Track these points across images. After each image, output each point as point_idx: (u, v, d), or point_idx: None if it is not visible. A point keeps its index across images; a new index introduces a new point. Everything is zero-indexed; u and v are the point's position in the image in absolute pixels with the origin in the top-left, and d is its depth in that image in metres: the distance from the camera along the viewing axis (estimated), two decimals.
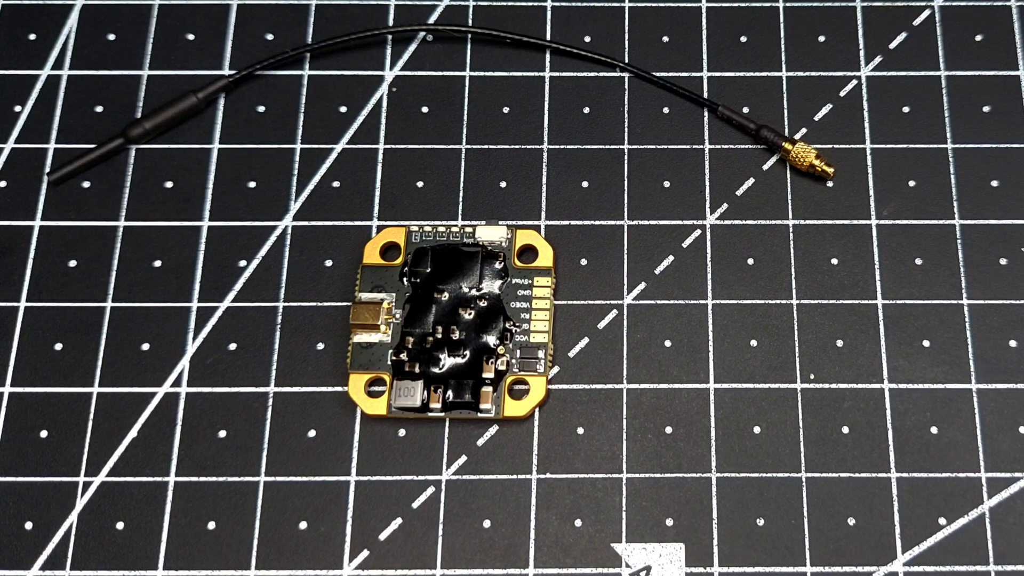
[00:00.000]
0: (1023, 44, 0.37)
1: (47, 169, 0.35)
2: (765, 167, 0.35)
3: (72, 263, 0.34)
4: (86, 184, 0.35)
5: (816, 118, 0.36)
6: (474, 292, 0.33)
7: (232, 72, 0.36)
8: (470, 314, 0.33)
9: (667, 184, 0.35)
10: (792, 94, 0.36)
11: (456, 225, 0.34)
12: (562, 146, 0.35)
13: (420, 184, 0.35)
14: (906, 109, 0.36)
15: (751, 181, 0.35)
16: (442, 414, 0.32)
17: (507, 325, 0.33)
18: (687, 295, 0.34)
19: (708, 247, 0.34)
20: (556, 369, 0.33)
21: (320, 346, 0.33)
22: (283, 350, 0.33)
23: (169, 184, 0.35)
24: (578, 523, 0.31)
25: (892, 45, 0.37)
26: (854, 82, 0.36)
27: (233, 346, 0.33)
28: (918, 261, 0.34)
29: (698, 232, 0.34)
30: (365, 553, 0.31)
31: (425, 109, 0.36)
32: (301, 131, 0.36)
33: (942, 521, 0.31)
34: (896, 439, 0.32)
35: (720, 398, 0.32)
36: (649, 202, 0.35)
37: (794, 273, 0.34)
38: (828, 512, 0.31)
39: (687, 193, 0.35)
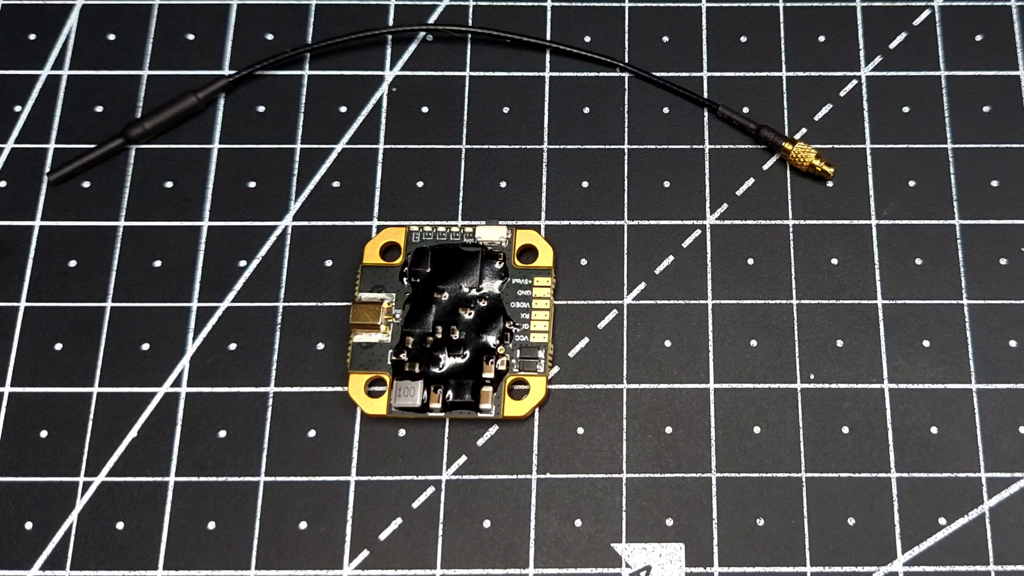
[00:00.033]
0: (1023, 44, 0.37)
1: (47, 169, 0.35)
2: (765, 167, 0.35)
3: (72, 263, 0.34)
4: (86, 184, 0.35)
5: (816, 118, 0.36)
6: (474, 292, 0.33)
7: (232, 72, 0.36)
8: (470, 314, 0.33)
9: (667, 184, 0.35)
10: (792, 94, 0.36)
11: (456, 225, 0.34)
12: (562, 146, 0.35)
13: (420, 184, 0.35)
14: (906, 109, 0.36)
15: (751, 181, 0.35)
16: (442, 414, 0.32)
17: (507, 325, 0.33)
18: (687, 295, 0.34)
19: (708, 247, 0.34)
20: (556, 369, 0.33)
21: (320, 346, 0.33)
22: (283, 350, 0.33)
23: (169, 184, 0.35)
24: (578, 523, 0.31)
25: (892, 45, 0.37)
26: (854, 82, 0.36)
27: (233, 346, 0.33)
28: (918, 261, 0.34)
29: (698, 232, 0.34)
30: (365, 553, 0.31)
31: (425, 109, 0.36)
32: (301, 131, 0.36)
33: (942, 521, 0.31)
34: (896, 439, 0.32)
35: (720, 398, 0.32)
36: (649, 202, 0.35)
37: (794, 273, 0.34)
38: (828, 512, 0.31)
39: (687, 193, 0.35)
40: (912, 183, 0.35)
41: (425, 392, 0.32)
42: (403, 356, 0.32)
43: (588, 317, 0.34)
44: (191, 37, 0.37)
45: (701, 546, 0.31)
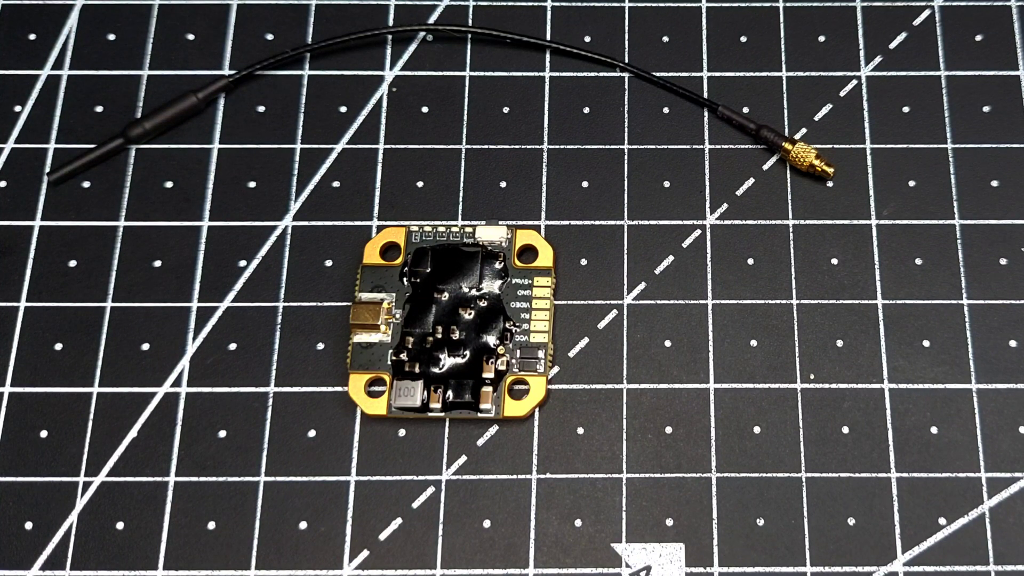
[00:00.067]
0: (1023, 44, 0.37)
1: (47, 169, 0.35)
2: (765, 167, 0.35)
3: (72, 263, 0.34)
4: (86, 184, 0.35)
5: (816, 118, 0.36)
6: (474, 292, 0.33)
7: (232, 72, 0.36)
8: (470, 314, 0.33)
9: (667, 184, 0.35)
10: (792, 94, 0.36)
11: (456, 225, 0.34)
12: (562, 146, 0.35)
13: (420, 184, 0.35)
14: (906, 109, 0.36)
15: (751, 181, 0.35)
16: (442, 414, 0.32)
17: (507, 325, 0.33)
18: (687, 295, 0.34)
19: (708, 247, 0.34)
20: (556, 369, 0.33)
21: (320, 346, 0.33)
22: (283, 350, 0.33)
23: (169, 184, 0.35)
24: (578, 523, 0.31)
25: (892, 45, 0.37)
26: (854, 82, 0.36)
27: (233, 346, 0.33)
28: (918, 261, 0.34)
29: (698, 232, 0.34)
30: (365, 553, 0.31)
31: (425, 109, 0.36)
32: (301, 131, 0.36)
33: (942, 521, 0.31)
34: (896, 439, 0.32)
35: (720, 398, 0.32)
36: (649, 202, 0.35)
37: (794, 273, 0.34)
38: (828, 512, 0.31)
39: (687, 193, 0.35)
40: (912, 183, 0.35)
41: (425, 392, 0.32)
42: (403, 356, 0.32)
43: (588, 317, 0.34)
44: (191, 37, 0.37)
45: (701, 546, 0.31)
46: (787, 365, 0.33)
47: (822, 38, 0.37)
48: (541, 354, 0.32)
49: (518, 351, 0.32)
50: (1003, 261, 0.34)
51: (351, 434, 0.32)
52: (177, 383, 0.33)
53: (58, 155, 0.35)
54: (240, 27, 0.37)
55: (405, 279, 0.33)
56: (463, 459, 0.32)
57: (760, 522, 0.31)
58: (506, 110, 0.36)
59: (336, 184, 0.35)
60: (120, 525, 0.31)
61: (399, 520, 0.31)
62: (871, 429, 0.32)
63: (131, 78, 0.36)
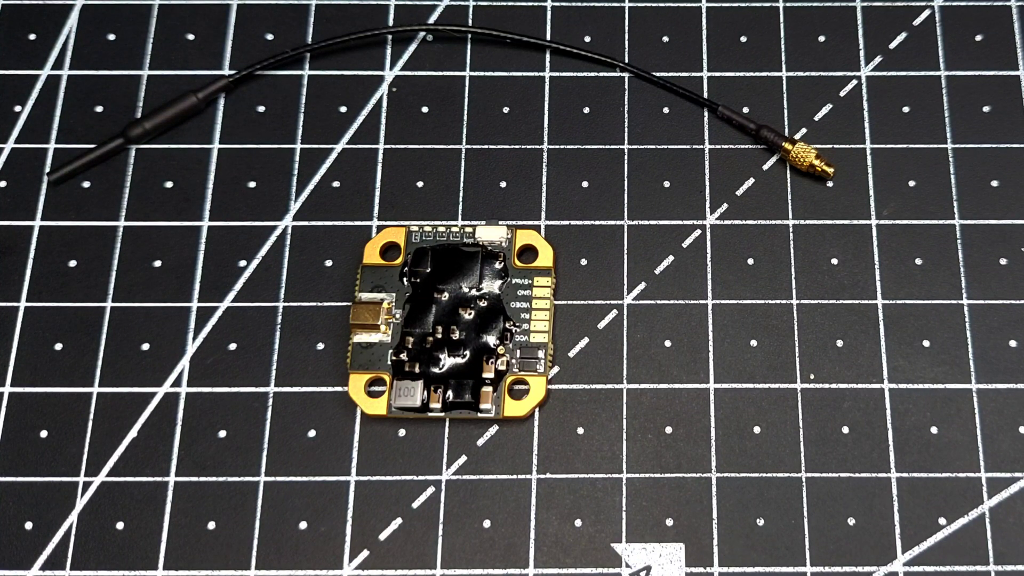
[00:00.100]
0: (1023, 44, 0.37)
1: (47, 169, 0.35)
2: (765, 167, 0.35)
3: (72, 263, 0.34)
4: (86, 184, 0.35)
5: (816, 118, 0.36)
6: (474, 292, 0.33)
7: (232, 72, 0.36)
8: (470, 314, 0.33)
9: (667, 184, 0.35)
10: (792, 94, 0.36)
11: (456, 225, 0.34)
12: (562, 146, 0.35)
13: (420, 184, 0.35)
14: (906, 109, 0.36)
15: (751, 181, 0.35)
16: (442, 414, 0.32)
17: (507, 325, 0.33)
18: (687, 295, 0.34)
19: (708, 247, 0.34)
20: (556, 369, 0.33)
21: (320, 346, 0.33)
22: (283, 350, 0.33)
23: (169, 184, 0.35)
24: (578, 523, 0.31)
25: (892, 45, 0.37)
26: (854, 82, 0.36)
27: (233, 346, 0.33)
28: (918, 261, 0.34)
29: (698, 232, 0.34)
30: (365, 553, 0.31)
31: (425, 109, 0.36)
32: (301, 131, 0.36)
33: (942, 521, 0.31)
34: (896, 439, 0.32)
35: (720, 398, 0.32)
36: (649, 202, 0.35)
37: (794, 273, 0.34)
38: (828, 512, 0.31)
39: (687, 193, 0.35)
40: (912, 183, 0.35)
41: (425, 392, 0.32)
42: (403, 356, 0.32)
43: (588, 317, 0.34)
44: (191, 37, 0.37)
45: (701, 546, 0.31)
46: (787, 365, 0.33)
47: (822, 38, 0.37)
48: (541, 354, 0.32)
49: (518, 351, 0.32)
50: (1003, 261, 0.34)
51: (351, 434, 0.32)
52: (177, 383, 0.33)
53: (58, 155, 0.35)
54: (240, 27, 0.37)
55: (405, 279, 0.33)
56: (463, 459, 0.32)
57: (760, 522, 0.31)
58: (506, 110, 0.36)
59: (336, 184, 0.35)
60: (120, 525, 0.31)
61: (399, 520, 0.31)
62: (871, 429, 0.32)
63: (131, 78, 0.36)
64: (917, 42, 0.37)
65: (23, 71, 0.36)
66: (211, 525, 0.31)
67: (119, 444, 0.32)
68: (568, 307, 0.34)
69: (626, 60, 0.37)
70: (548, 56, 0.37)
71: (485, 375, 0.32)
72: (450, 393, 0.32)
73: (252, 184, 0.35)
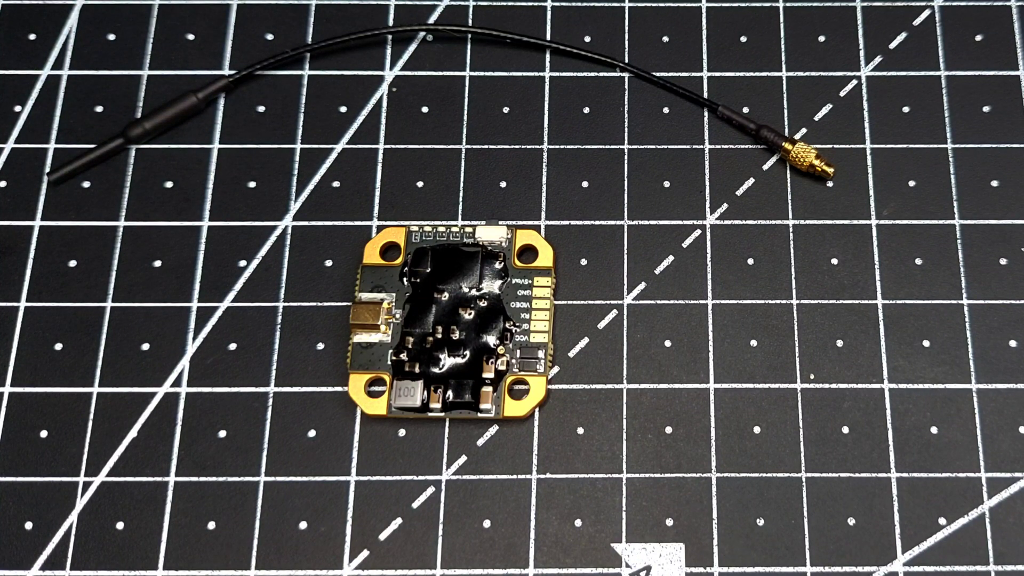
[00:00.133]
0: (1023, 44, 0.37)
1: (47, 169, 0.35)
2: (765, 167, 0.35)
3: (72, 263, 0.34)
4: (86, 184, 0.35)
5: (816, 118, 0.36)
6: (474, 292, 0.33)
7: (232, 72, 0.36)
8: (470, 314, 0.33)
9: (667, 184, 0.35)
10: (792, 94, 0.36)
11: (456, 225, 0.34)
12: (562, 146, 0.35)
13: (420, 184, 0.35)
14: (906, 109, 0.36)
15: (751, 181, 0.35)
16: (442, 414, 0.32)
17: (507, 325, 0.33)
18: (687, 295, 0.34)
19: (708, 247, 0.34)
20: (556, 369, 0.33)
21: (320, 346, 0.33)
22: (283, 350, 0.33)
23: (169, 184, 0.35)
24: (578, 523, 0.31)
25: (892, 45, 0.37)
26: (854, 82, 0.36)
27: (233, 346, 0.33)
28: (918, 261, 0.34)
29: (698, 232, 0.34)
30: (365, 553, 0.31)
31: (425, 109, 0.36)
32: (301, 131, 0.36)
33: (942, 521, 0.31)
34: (896, 439, 0.32)
35: (720, 398, 0.32)
36: (649, 202, 0.35)
37: (794, 273, 0.34)
38: (828, 512, 0.31)
39: (687, 193, 0.35)
40: (912, 183, 0.35)
41: (425, 392, 0.32)
42: (403, 356, 0.32)
43: (588, 317, 0.34)
44: (191, 37, 0.37)
45: (701, 546, 0.31)
46: (787, 365, 0.33)
47: (822, 38, 0.37)
48: (541, 354, 0.32)
49: (518, 351, 0.32)
50: (1003, 261, 0.34)
51: (351, 434, 0.32)
52: (177, 383, 0.33)
53: (58, 155, 0.35)
54: (240, 27, 0.37)
55: (405, 279, 0.33)
56: (463, 459, 0.32)
57: (760, 522, 0.31)
58: (506, 110, 0.36)
59: (336, 184, 0.35)
60: (120, 525, 0.31)
61: (399, 520, 0.31)
62: (871, 429, 0.32)
63: (131, 78, 0.36)
64: (917, 42, 0.37)
65: (23, 71, 0.36)
66: (211, 525, 0.31)
67: (119, 444, 0.32)
68: (568, 307, 0.34)
69: (626, 60, 0.37)
70: (548, 56, 0.37)
71: (485, 375, 0.32)
72: (450, 393, 0.32)
73: (252, 184, 0.35)
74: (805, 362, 0.33)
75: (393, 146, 0.36)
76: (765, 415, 0.32)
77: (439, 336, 0.32)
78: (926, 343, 0.33)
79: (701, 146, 0.35)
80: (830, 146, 0.35)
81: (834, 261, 0.34)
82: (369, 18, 0.37)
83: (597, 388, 0.33)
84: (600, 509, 0.31)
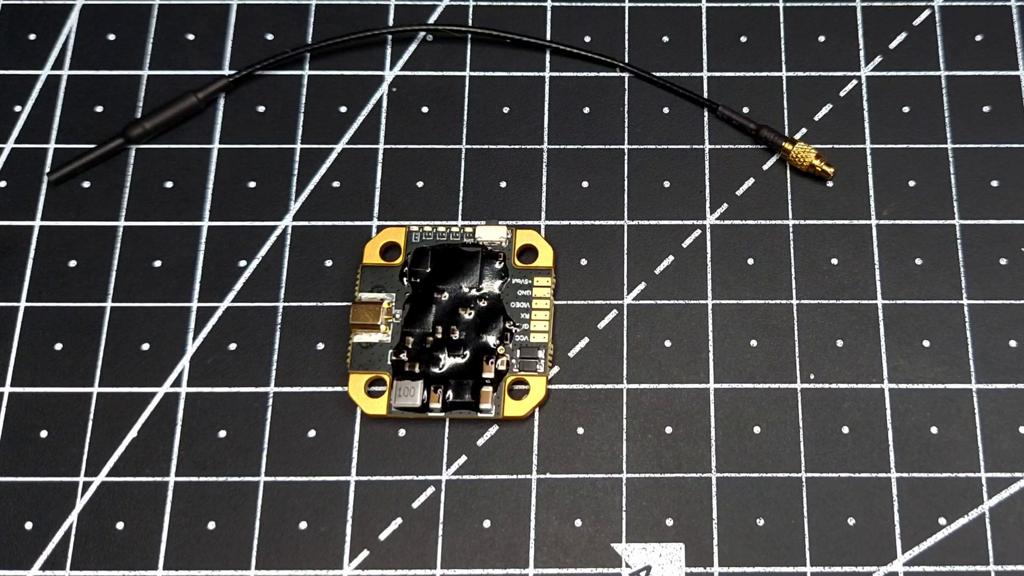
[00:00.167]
0: (1023, 44, 0.37)
1: (47, 169, 0.35)
2: (765, 167, 0.35)
3: (72, 263, 0.34)
4: (86, 184, 0.35)
5: (816, 118, 0.36)
6: (474, 292, 0.33)
7: (232, 72, 0.36)
8: (470, 314, 0.33)
9: (667, 184, 0.35)
10: (792, 94, 0.36)
11: (456, 225, 0.34)
12: (562, 146, 0.35)
13: (420, 184, 0.35)
14: (906, 109, 0.36)
15: (751, 181, 0.35)
16: (442, 414, 0.32)
17: (507, 325, 0.33)
18: (687, 295, 0.34)
19: (708, 247, 0.34)
20: (556, 369, 0.33)
21: (320, 346, 0.33)
22: (283, 350, 0.33)
23: (169, 184, 0.35)
24: (578, 523, 0.31)
25: (892, 45, 0.37)
26: (854, 82, 0.36)
27: (233, 346, 0.33)
28: (918, 261, 0.34)
29: (698, 232, 0.34)
30: (365, 553, 0.31)
31: (425, 109, 0.36)
32: (301, 131, 0.36)
33: (942, 521, 0.31)
34: (896, 439, 0.32)
35: (720, 398, 0.32)
36: (649, 202, 0.35)
37: (794, 273, 0.34)
38: (828, 512, 0.31)
39: (687, 193, 0.35)
40: (912, 183, 0.35)
41: (425, 392, 0.32)
42: (403, 356, 0.32)
43: (588, 317, 0.34)
44: (191, 37, 0.37)
45: (701, 546, 0.31)
46: (787, 365, 0.33)
47: (822, 38, 0.37)
48: (541, 354, 0.32)
49: (518, 351, 0.32)
50: (1003, 261, 0.34)
51: (351, 434, 0.32)
52: (177, 383, 0.33)
53: (58, 155, 0.35)
54: (240, 27, 0.37)
55: (405, 279, 0.33)
56: (463, 459, 0.32)
57: (760, 522, 0.31)
58: (506, 110, 0.36)
59: (336, 184, 0.35)
60: (120, 525, 0.31)
61: (399, 520, 0.31)
62: (871, 429, 0.32)
63: (131, 78, 0.36)
64: (917, 42, 0.37)
65: (23, 71, 0.36)
66: (211, 525, 0.31)
67: (119, 444, 0.32)
68: (568, 307, 0.34)
69: (626, 60, 0.37)
70: (548, 56, 0.37)
71: (485, 375, 0.32)
72: (450, 393, 0.32)
73: (252, 184, 0.35)
74: (805, 362, 0.33)
75: (393, 146, 0.36)
76: (765, 415, 0.32)
77: (439, 336, 0.32)
78: (926, 343, 0.33)
79: (701, 146, 0.35)
80: (830, 146, 0.35)
81: (834, 261, 0.34)
82: (369, 18, 0.37)
83: (597, 388, 0.33)
84: (600, 509, 0.31)
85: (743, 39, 0.37)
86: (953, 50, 0.36)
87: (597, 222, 0.35)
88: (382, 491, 0.32)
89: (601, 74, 0.36)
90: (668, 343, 0.33)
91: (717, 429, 0.32)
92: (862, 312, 0.33)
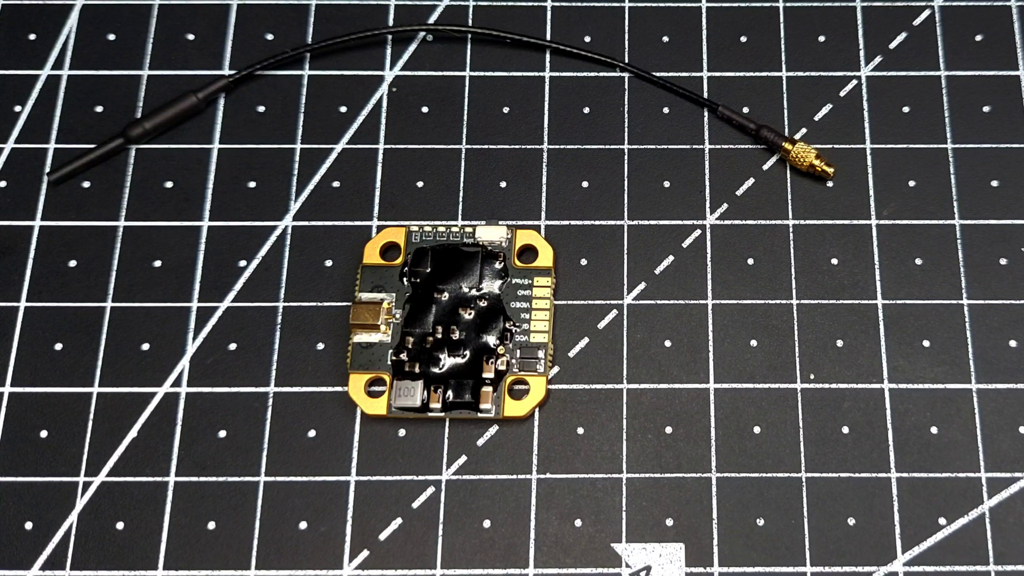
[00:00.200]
0: (1023, 44, 0.37)
1: (47, 169, 0.35)
2: (765, 167, 0.35)
3: (72, 263, 0.34)
4: (86, 184, 0.35)
5: (816, 118, 0.36)
6: (474, 292, 0.33)
7: (232, 72, 0.36)
8: (470, 314, 0.33)
9: (667, 184, 0.35)
10: (792, 94, 0.36)
11: (456, 225, 0.34)
12: (562, 146, 0.35)
13: (420, 184, 0.35)
14: (906, 109, 0.36)
15: (751, 181, 0.35)
16: (442, 414, 0.32)
17: (507, 325, 0.33)
18: (687, 295, 0.34)
19: (708, 247, 0.34)
20: (556, 369, 0.33)
21: (320, 346, 0.33)
22: (283, 350, 0.33)
23: (169, 184, 0.35)
24: (578, 523, 0.31)
25: (892, 45, 0.37)
26: (854, 82, 0.36)
27: (233, 346, 0.33)
28: (918, 261, 0.34)
29: (698, 232, 0.34)
30: (365, 553, 0.31)
31: (425, 109, 0.36)
32: (301, 131, 0.36)
33: (942, 521, 0.31)
34: (896, 439, 0.32)
35: (720, 398, 0.32)
36: (649, 202, 0.35)
37: (794, 273, 0.34)
38: (828, 512, 0.31)
39: (687, 193, 0.35)
40: (912, 183, 0.35)
41: (425, 392, 0.32)
42: (403, 356, 0.32)
43: (588, 317, 0.34)
44: (191, 37, 0.37)
45: (701, 546, 0.31)
46: (787, 365, 0.33)
47: (822, 38, 0.37)
48: (541, 354, 0.32)
49: (518, 351, 0.32)
50: (1003, 261, 0.34)
51: (351, 434, 0.32)
52: (177, 383, 0.33)
53: (58, 155, 0.35)
54: (240, 27, 0.37)
55: (405, 279, 0.33)
56: (463, 459, 0.32)
57: (760, 522, 0.31)
58: (506, 110, 0.36)
59: (336, 184, 0.35)
60: (120, 525, 0.31)
61: (399, 520, 0.31)
62: (871, 429, 0.32)
63: (131, 78, 0.36)
64: (917, 42, 0.37)
65: (23, 71, 0.36)
66: (211, 525, 0.31)
67: (119, 444, 0.32)
68: (568, 307, 0.34)
69: (626, 60, 0.37)
70: (548, 56, 0.37)
71: (485, 375, 0.32)
72: (450, 393, 0.32)
73: (252, 184, 0.35)
74: (805, 362, 0.33)
75: (393, 146, 0.36)
76: (765, 415, 0.32)
77: (439, 336, 0.32)
78: (926, 343, 0.33)
79: (701, 146, 0.35)
80: (830, 146, 0.35)
81: (834, 261, 0.34)
82: (369, 18, 0.37)
83: (597, 388, 0.33)
84: (600, 509, 0.31)
85: (743, 39, 0.37)
86: (953, 50, 0.36)
87: (597, 222, 0.35)
88: (382, 491, 0.32)
89: (601, 74, 0.36)
90: (668, 343, 0.33)
91: (717, 429, 0.32)
92: (862, 312, 0.33)
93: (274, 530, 0.31)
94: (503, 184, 0.35)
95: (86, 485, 0.32)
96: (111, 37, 0.37)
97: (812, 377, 0.33)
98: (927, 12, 0.37)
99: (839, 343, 0.33)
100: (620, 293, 0.34)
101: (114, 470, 0.32)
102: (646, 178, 0.35)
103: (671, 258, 0.34)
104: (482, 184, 0.35)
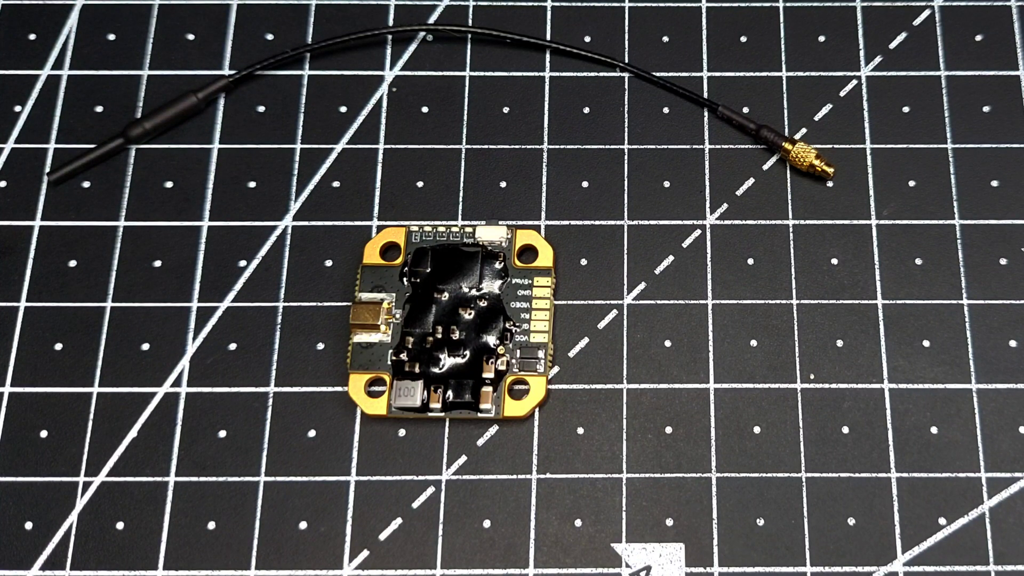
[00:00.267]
0: (1023, 44, 0.37)
1: (47, 169, 0.35)
2: (765, 167, 0.35)
3: (72, 263, 0.34)
4: (86, 184, 0.35)
5: (816, 118, 0.36)
6: (474, 292, 0.33)
7: (232, 72, 0.36)
8: (470, 314, 0.33)
9: (667, 184, 0.35)
10: (792, 94, 0.36)
11: (456, 225, 0.34)
12: (562, 146, 0.35)
13: (420, 184, 0.35)
14: (906, 109, 0.36)
15: (751, 181, 0.35)
16: (442, 414, 0.32)
17: (507, 325, 0.33)
18: (687, 295, 0.34)
19: (708, 247, 0.34)
20: (556, 369, 0.33)
21: (320, 346, 0.33)
22: (283, 350, 0.33)
23: (169, 184, 0.35)
24: (578, 523, 0.31)
25: (892, 45, 0.37)
26: (854, 82, 0.36)
27: (233, 346, 0.33)
28: (918, 261, 0.34)
29: (698, 232, 0.34)
30: (365, 553, 0.31)
31: (425, 109, 0.36)
32: (301, 131, 0.36)
33: (942, 521, 0.31)
34: (896, 439, 0.32)
35: (720, 398, 0.32)
36: (649, 202, 0.35)
37: (794, 273, 0.34)
38: (828, 512, 0.31)
39: (687, 193, 0.35)
40: (912, 183, 0.35)
41: (425, 392, 0.32)
42: (403, 356, 0.32)
43: (588, 317, 0.34)
44: (191, 37, 0.37)
45: (701, 546, 0.31)
46: (787, 365, 0.33)
47: (822, 38, 0.37)
48: (541, 354, 0.32)
49: (518, 351, 0.32)
50: (1003, 261, 0.34)
51: (351, 434, 0.32)
52: (177, 383, 0.33)
53: (58, 155, 0.35)
54: (240, 27, 0.37)
55: (405, 279, 0.33)
56: (463, 459, 0.32)
57: (760, 522, 0.31)
58: (506, 110, 0.36)
59: (336, 184, 0.35)
60: (120, 525, 0.31)
61: (399, 520, 0.31)
62: (871, 429, 0.32)
63: (131, 78, 0.36)
64: (917, 42, 0.37)
65: (23, 71, 0.36)
66: (211, 525, 0.31)
67: (119, 444, 0.32)
68: (568, 307, 0.34)
69: (626, 60, 0.37)
70: (548, 56, 0.37)
71: (485, 375, 0.32)
72: (450, 393, 0.32)
73: (252, 184, 0.35)
74: (805, 362, 0.33)
75: (393, 146, 0.36)
76: (765, 415, 0.32)
77: (439, 336, 0.32)
78: (926, 343, 0.33)
79: (701, 146, 0.35)
80: (830, 146, 0.35)
81: (834, 261, 0.34)
82: (369, 18, 0.37)
83: (597, 388, 0.33)
84: (600, 509, 0.31)
85: (743, 39, 0.37)
86: (953, 50, 0.36)
87: (597, 222, 0.35)
88: (382, 491, 0.32)
89: (601, 74, 0.36)
90: (668, 343, 0.33)
91: (717, 429, 0.32)
92: (862, 312, 0.33)
93: (274, 530, 0.31)
94: (503, 184, 0.35)
95: (86, 485, 0.32)
96: (111, 37, 0.37)
97: (812, 377, 0.33)
98: (927, 12, 0.37)
99: (839, 343, 0.33)
100: (620, 293, 0.34)
101: (114, 470, 0.32)
102: (646, 178, 0.35)
103: (671, 258, 0.34)
104: (482, 184, 0.35)
